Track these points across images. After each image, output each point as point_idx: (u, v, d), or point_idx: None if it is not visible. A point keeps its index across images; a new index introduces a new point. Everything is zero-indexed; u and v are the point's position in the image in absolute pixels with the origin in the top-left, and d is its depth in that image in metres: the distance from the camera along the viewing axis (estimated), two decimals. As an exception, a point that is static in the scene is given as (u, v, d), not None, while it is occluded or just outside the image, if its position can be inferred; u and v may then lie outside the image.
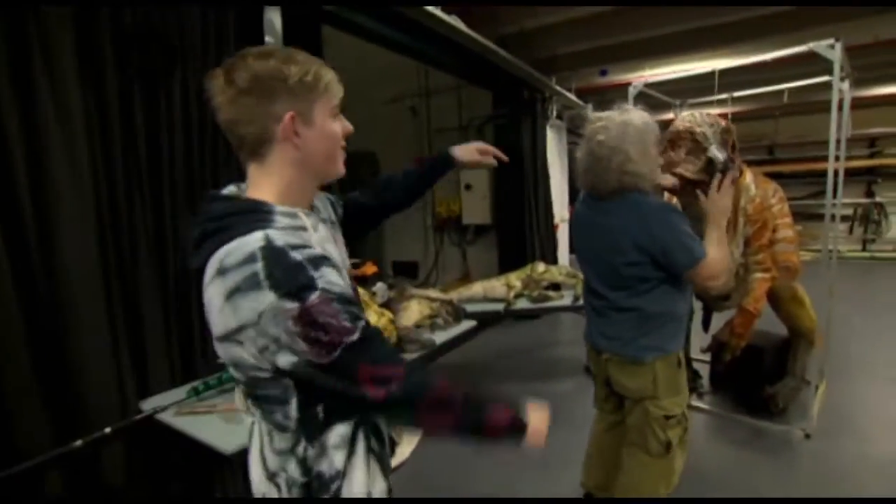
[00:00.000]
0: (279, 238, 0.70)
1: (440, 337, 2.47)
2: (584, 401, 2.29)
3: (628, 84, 3.10)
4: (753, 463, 2.38)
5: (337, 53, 3.24)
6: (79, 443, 1.53)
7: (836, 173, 2.44)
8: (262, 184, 0.79)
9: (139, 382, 1.77)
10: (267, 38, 2.14)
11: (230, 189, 0.83)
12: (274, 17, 2.18)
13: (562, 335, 4.61)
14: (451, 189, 5.55)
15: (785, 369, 2.84)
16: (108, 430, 1.58)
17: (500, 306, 3.21)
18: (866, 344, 3.90)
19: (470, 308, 2.93)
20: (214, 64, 0.76)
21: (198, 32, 1.86)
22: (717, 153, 1.87)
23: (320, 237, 0.81)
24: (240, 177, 0.84)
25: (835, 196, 2.47)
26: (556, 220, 5.35)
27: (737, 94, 3.39)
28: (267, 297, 0.67)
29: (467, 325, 2.62)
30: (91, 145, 1.59)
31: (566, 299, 3.29)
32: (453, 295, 3.11)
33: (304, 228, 0.78)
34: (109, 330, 1.64)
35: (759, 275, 2.39)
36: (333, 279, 0.71)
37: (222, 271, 0.70)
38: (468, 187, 5.46)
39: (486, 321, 4.13)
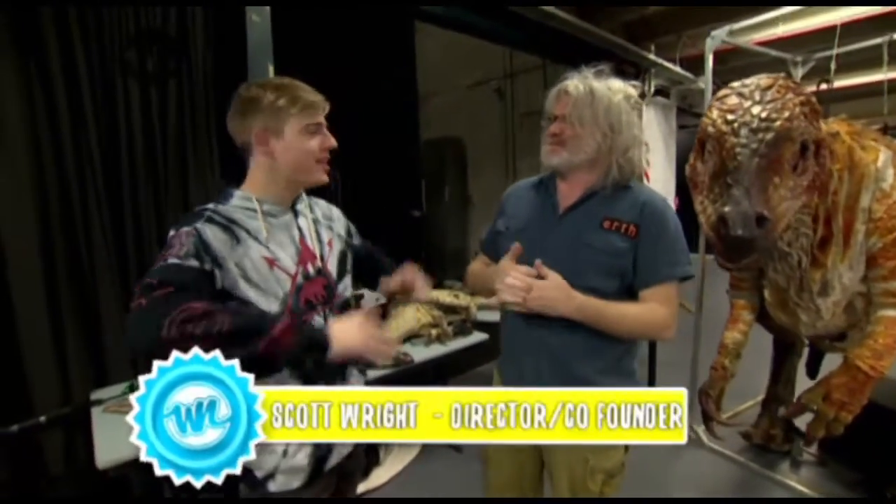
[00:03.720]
0: (216, 207, 0.92)
1: (437, 351, 2.13)
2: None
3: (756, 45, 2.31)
4: None
5: (425, 40, 3.04)
6: (14, 428, 1.55)
7: None
8: (249, 177, 1.00)
9: (95, 371, 1.76)
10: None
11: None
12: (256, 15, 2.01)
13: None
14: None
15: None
16: (42, 419, 1.58)
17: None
18: None
19: (493, 317, 2.50)
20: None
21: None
22: (735, 208, 1.18)
23: (271, 225, 0.96)
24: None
25: None
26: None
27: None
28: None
29: (475, 338, 2.23)
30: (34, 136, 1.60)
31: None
32: (480, 299, 2.71)
33: (252, 210, 0.95)
34: (49, 317, 1.62)
35: (888, 313, 1.58)
36: (211, 234, 0.87)
37: None
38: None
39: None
